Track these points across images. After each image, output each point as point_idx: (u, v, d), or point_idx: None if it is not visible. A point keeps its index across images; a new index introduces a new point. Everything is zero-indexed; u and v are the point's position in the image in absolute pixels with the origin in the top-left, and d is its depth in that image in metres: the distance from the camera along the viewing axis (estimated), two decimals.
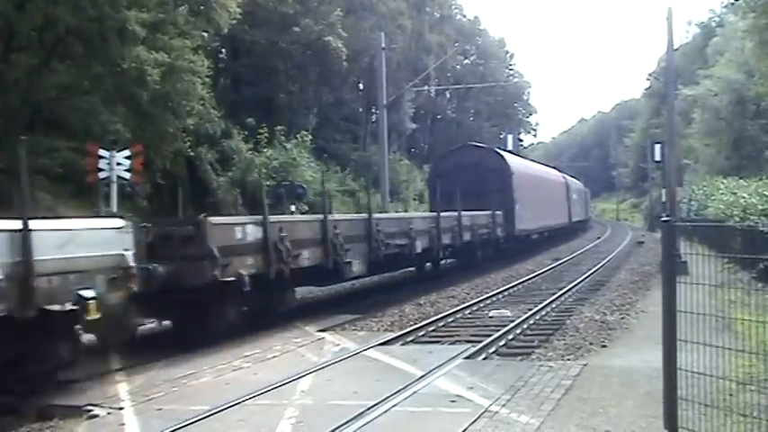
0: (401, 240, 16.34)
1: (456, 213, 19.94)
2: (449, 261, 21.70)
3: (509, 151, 34.50)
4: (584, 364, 8.51)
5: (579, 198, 49.91)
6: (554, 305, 14.22)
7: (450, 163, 26.92)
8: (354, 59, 38.94)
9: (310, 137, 30.05)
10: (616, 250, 30.16)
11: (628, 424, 6.06)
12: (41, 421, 6.88)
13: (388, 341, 10.50)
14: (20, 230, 7.10)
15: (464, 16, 71.81)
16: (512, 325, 11.67)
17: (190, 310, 10.00)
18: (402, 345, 10.53)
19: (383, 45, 27.48)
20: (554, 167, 48.77)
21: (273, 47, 32.81)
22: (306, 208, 23.09)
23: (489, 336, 10.73)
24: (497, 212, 23.68)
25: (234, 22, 22.94)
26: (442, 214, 18.96)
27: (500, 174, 25.52)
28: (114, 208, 14.82)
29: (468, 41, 69.41)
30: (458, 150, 29.90)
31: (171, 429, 6.29)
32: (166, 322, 11.05)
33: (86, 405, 7.13)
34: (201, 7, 21.12)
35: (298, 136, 29.04)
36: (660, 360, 4.79)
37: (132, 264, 8.46)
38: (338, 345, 10.31)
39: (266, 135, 27.76)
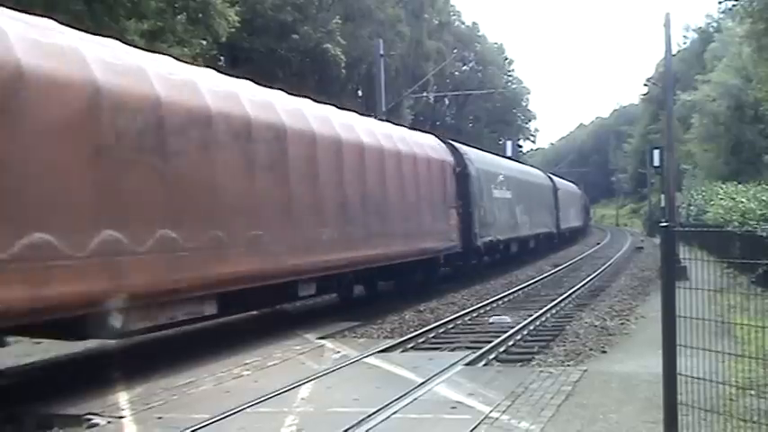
0: None
1: None
2: None
3: None
4: (585, 370, 8.51)
5: (504, 195, 24.75)
6: (554, 311, 14.22)
7: None
8: (353, 66, 39.02)
9: None
10: (615, 256, 30.19)
11: (628, 430, 6.06)
12: (41, 430, 6.86)
13: (388, 348, 10.48)
14: None
15: (463, 23, 72.07)
16: (512, 331, 11.67)
17: None
18: (402, 351, 10.53)
19: (381, 52, 27.51)
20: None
21: (272, 54, 32.87)
22: None
23: (489, 342, 10.72)
24: None
25: (232, 30, 23.00)
26: None
27: None
28: None
29: (466, 48, 69.58)
30: None
31: None
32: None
33: (86, 414, 7.10)
34: (200, 15, 21.17)
35: None
36: (660, 365, 4.78)
37: None
38: (338, 352, 10.29)
39: None
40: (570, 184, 51.38)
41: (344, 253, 13.08)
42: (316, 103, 13.71)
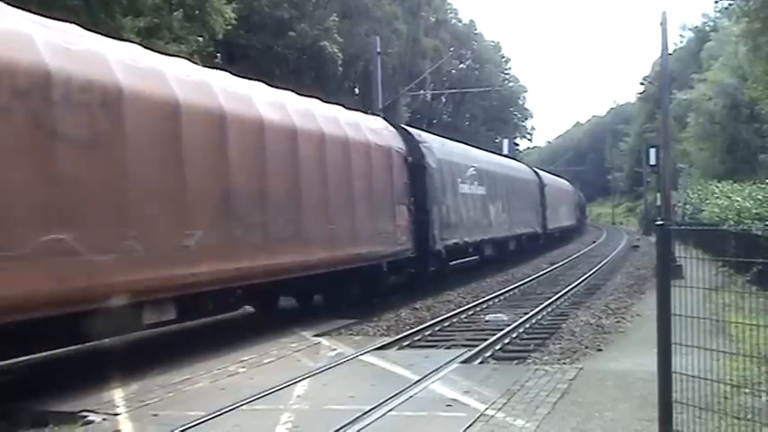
0: None
1: None
2: None
3: None
4: (580, 368, 8.53)
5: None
6: (550, 309, 14.24)
7: None
8: (350, 64, 38.96)
9: None
10: (611, 254, 30.23)
11: (623, 427, 6.07)
12: (36, 427, 6.84)
13: (384, 346, 10.50)
14: None
15: (459, 21, 72.08)
16: (508, 329, 11.68)
17: None
18: (398, 349, 10.54)
19: (378, 49, 27.45)
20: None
21: (269, 52, 32.81)
22: None
23: (485, 340, 10.74)
24: None
25: (229, 26, 22.95)
26: None
27: None
28: None
29: (463, 46, 69.60)
30: None
31: None
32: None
33: (81, 411, 7.10)
34: (197, 12, 21.11)
35: None
36: (655, 363, 4.80)
37: None
38: (334, 349, 10.30)
39: None
40: (561, 180, 47.66)
41: (228, 263, 9.78)
42: (189, 63, 10.68)
